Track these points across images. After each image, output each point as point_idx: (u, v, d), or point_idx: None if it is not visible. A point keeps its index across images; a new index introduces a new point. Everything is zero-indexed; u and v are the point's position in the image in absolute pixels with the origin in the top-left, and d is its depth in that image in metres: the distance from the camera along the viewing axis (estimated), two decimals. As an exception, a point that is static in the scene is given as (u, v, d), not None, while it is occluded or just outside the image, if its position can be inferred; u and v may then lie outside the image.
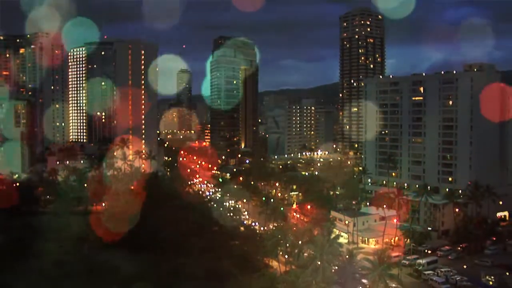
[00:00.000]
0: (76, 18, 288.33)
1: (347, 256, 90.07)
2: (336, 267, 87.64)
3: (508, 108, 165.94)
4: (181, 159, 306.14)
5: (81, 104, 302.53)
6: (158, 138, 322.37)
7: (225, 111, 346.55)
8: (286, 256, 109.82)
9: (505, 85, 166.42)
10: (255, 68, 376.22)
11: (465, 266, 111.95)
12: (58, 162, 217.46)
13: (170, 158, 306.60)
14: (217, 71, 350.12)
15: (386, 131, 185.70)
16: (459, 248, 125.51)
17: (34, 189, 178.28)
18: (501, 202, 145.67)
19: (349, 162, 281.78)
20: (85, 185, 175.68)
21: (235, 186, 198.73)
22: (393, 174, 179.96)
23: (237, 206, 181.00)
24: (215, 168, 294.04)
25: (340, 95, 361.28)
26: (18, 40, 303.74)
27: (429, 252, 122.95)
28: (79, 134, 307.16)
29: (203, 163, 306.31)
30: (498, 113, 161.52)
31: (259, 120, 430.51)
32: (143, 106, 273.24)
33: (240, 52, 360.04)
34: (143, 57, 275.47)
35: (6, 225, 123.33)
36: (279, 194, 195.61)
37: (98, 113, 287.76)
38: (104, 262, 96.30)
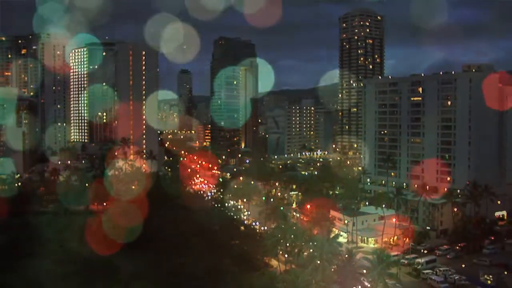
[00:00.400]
0: (78, 19, 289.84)
1: (346, 256, 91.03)
2: (336, 266, 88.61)
3: (506, 108, 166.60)
4: (181, 159, 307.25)
5: (83, 105, 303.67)
6: (159, 138, 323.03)
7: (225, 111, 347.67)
8: (286, 255, 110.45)
9: (503, 85, 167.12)
10: (255, 68, 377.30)
11: (463, 265, 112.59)
12: (59, 162, 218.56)
13: (171, 158, 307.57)
14: (217, 72, 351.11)
15: (385, 131, 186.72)
16: (457, 248, 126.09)
17: (36, 188, 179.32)
18: (499, 202, 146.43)
19: (348, 162, 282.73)
20: (86, 185, 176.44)
21: (235, 186, 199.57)
22: (392, 174, 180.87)
23: (237, 205, 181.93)
24: (215, 168, 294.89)
25: (340, 95, 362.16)
26: (20, 41, 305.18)
27: (425, 252, 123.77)
28: (80, 134, 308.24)
29: (204, 163, 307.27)
30: (496, 113, 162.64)
31: (259, 120, 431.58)
32: (144, 107, 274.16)
33: (240, 53, 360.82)
34: (144, 57, 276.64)
35: (6, 225, 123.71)
36: (279, 194, 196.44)
37: (100, 114, 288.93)
38: (104, 262, 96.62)
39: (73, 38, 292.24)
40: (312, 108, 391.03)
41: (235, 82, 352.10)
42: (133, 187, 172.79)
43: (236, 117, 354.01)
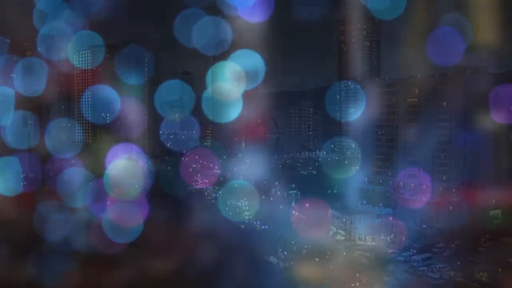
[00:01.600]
0: (81, 21, 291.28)
1: (344, 253, 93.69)
2: (334, 264, 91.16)
3: (502, 108, 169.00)
4: (183, 158, 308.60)
5: (87, 105, 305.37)
6: (161, 138, 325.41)
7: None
8: (285, 253, 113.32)
9: (499, 86, 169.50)
10: (255, 70, 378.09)
11: (459, 263, 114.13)
12: (64, 162, 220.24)
13: (172, 158, 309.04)
14: (218, 73, 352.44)
15: (383, 132, 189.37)
16: (453, 245, 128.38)
17: (40, 188, 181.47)
18: (494, 201, 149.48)
19: (346, 162, 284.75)
20: (90, 184, 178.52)
21: (236, 185, 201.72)
22: (389, 173, 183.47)
23: (237, 204, 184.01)
24: (216, 167, 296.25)
25: (338, 96, 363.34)
26: (24, 43, 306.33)
27: (415, 251, 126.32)
28: (84, 134, 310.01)
29: (205, 162, 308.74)
30: (492, 113, 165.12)
31: (259, 121, 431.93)
32: (146, 107, 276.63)
33: (240, 54, 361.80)
34: (146, 59, 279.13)
35: (10, 224, 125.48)
36: (279, 193, 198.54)
37: (103, 114, 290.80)
38: (104, 261, 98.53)
39: (77, 39, 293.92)
40: (311, 109, 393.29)
41: (235, 84, 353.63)
42: (135, 186, 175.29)
43: (236, 118, 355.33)
